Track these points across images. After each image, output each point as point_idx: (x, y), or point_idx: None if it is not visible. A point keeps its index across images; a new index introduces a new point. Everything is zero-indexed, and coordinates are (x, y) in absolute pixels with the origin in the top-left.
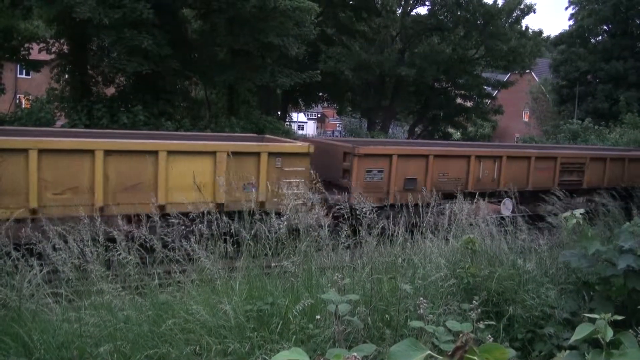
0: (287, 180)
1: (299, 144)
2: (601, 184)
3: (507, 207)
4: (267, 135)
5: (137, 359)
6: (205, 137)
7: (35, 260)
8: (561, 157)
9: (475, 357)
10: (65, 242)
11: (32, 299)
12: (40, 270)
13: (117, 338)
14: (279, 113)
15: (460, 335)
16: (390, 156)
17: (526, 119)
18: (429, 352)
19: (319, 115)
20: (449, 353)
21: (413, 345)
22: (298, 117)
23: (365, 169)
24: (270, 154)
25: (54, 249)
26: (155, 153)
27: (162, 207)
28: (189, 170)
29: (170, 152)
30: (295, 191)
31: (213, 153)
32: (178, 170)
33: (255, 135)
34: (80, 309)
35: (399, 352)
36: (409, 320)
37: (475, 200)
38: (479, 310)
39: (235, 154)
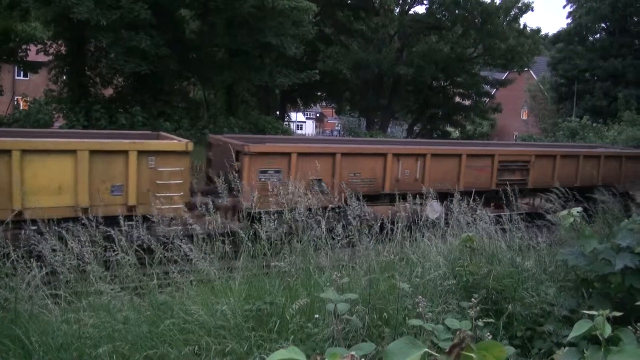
0: (162, 182)
1: (175, 141)
2: (550, 184)
3: (433, 209)
4: (162, 133)
5: (136, 359)
6: (87, 135)
7: (34, 261)
8: (499, 155)
9: (472, 355)
10: (65, 244)
11: (30, 300)
12: (39, 272)
13: (116, 339)
14: (278, 113)
15: (458, 332)
16: (288, 155)
17: (525, 117)
18: (426, 349)
19: (318, 115)
20: (447, 350)
21: (410, 342)
22: (297, 116)
23: (258, 169)
24: (141, 152)
25: (52, 250)
26: (8, 152)
27: (19, 213)
28: (49, 172)
29: (24, 152)
30: (172, 194)
31: (73, 152)
32: (35, 172)
33: (149, 132)
34: (79, 310)
35: (397, 350)
36: (407, 318)
37: (397, 202)
38: (478, 308)
39: (100, 152)
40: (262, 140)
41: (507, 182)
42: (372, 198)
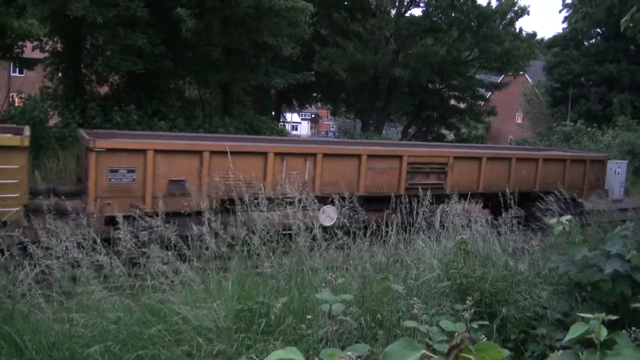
0: None
1: (8, 135)
2: (474, 189)
3: (327, 215)
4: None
5: (127, 359)
6: None
7: (27, 260)
8: (409, 156)
9: (470, 356)
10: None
11: (23, 299)
12: (32, 271)
13: (108, 339)
14: (273, 113)
15: (456, 334)
16: (144, 152)
17: (519, 121)
18: (424, 351)
19: (313, 116)
20: (445, 352)
21: (408, 344)
22: (292, 117)
23: (108, 167)
24: None
25: (45, 249)
26: None
27: None
28: None
29: None
30: (5, 195)
31: None
32: None
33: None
34: (71, 310)
35: (395, 352)
36: (401, 320)
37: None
38: (472, 310)
39: None
40: (118, 136)
41: (420, 187)
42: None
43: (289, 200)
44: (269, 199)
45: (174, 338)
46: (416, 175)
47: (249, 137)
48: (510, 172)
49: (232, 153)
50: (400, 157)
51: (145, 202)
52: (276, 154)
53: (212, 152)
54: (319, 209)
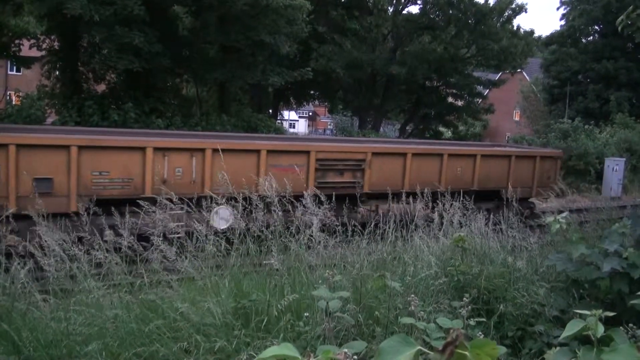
0: None
1: None
2: (399, 188)
3: (221, 217)
4: None
5: (125, 356)
6: None
7: (25, 258)
8: (317, 152)
9: (466, 353)
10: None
11: (20, 297)
12: (28, 269)
13: (106, 336)
14: (271, 111)
15: (451, 330)
16: (5, 147)
17: (517, 118)
18: (419, 347)
19: (310, 114)
20: (440, 348)
21: (403, 340)
22: (289, 115)
23: None
24: None
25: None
26: None
27: None
28: None
29: None
30: None
31: None
32: None
33: None
34: (68, 308)
35: (389, 348)
36: (399, 317)
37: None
38: (470, 307)
39: None
40: None
41: (332, 186)
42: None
43: (172, 201)
44: (149, 199)
45: (172, 335)
46: (327, 173)
47: (132, 132)
48: (442, 170)
49: (104, 148)
50: (307, 152)
51: (9, 202)
52: (156, 149)
53: (80, 147)
54: (212, 211)
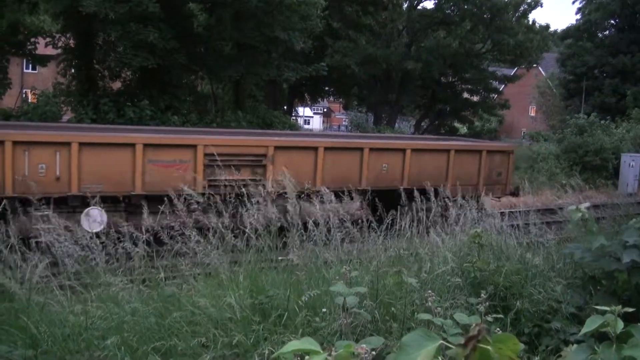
0: None
1: None
2: (310, 184)
3: (93, 219)
4: None
5: (144, 350)
6: None
7: (41, 253)
8: (205, 146)
9: (488, 347)
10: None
11: (39, 291)
12: (46, 263)
13: (124, 330)
14: (285, 107)
15: (474, 325)
16: None
17: (533, 114)
18: (441, 341)
19: (325, 110)
20: (463, 343)
21: (425, 335)
22: (304, 111)
23: None
24: None
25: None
26: None
27: None
28: None
29: None
30: None
31: None
32: None
33: None
34: (87, 301)
35: (412, 342)
36: (415, 313)
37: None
38: (487, 304)
39: None
40: None
41: (227, 184)
42: None
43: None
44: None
45: (190, 329)
46: (220, 169)
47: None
48: (362, 166)
49: None
50: (193, 146)
51: None
52: (15, 142)
53: None
54: (83, 212)
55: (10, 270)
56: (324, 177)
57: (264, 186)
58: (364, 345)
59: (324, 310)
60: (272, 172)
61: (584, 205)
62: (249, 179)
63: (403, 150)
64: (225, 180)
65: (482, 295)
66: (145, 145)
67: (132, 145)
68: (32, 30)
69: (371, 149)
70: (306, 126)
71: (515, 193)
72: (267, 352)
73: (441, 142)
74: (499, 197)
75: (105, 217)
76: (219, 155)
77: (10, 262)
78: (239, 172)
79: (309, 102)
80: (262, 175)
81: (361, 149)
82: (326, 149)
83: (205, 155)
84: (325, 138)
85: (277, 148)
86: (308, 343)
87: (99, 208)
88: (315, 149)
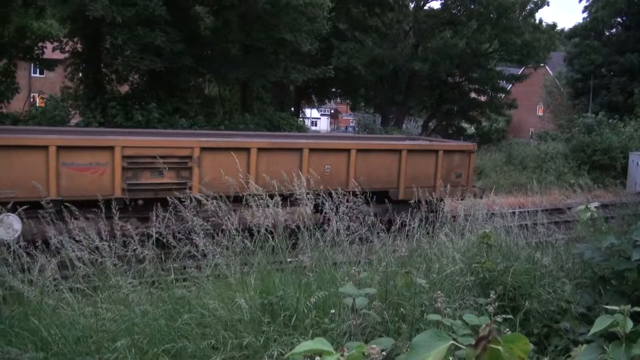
0: None
1: None
2: (243, 189)
3: (7, 225)
4: None
5: (154, 352)
6: None
7: (51, 255)
8: (123, 147)
9: (499, 347)
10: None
11: (49, 294)
12: (56, 266)
13: (134, 332)
14: (293, 109)
15: (484, 325)
16: None
17: (540, 113)
18: (452, 342)
19: (332, 111)
20: (473, 343)
21: (436, 335)
22: (311, 113)
23: None
24: None
25: (71, 243)
26: None
27: None
28: None
29: None
30: None
31: None
32: None
33: None
34: (97, 304)
35: (422, 342)
36: (425, 314)
37: None
38: (496, 304)
39: None
40: None
41: (148, 188)
42: None
43: None
44: None
45: (200, 331)
46: (141, 172)
47: None
48: (302, 167)
49: None
50: (110, 148)
51: None
52: None
53: None
54: None
55: (21, 273)
56: (259, 180)
57: (189, 190)
58: (375, 346)
59: (333, 311)
60: (198, 175)
61: (593, 205)
62: (174, 183)
63: (348, 151)
64: (148, 183)
65: (491, 295)
66: (59, 148)
67: (45, 147)
68: (40, 35)
69: (311, 150)
70: (313, 128)
71: (479, 195)
72: (276, 353)
73: (392, 142)
74: (461, 200)
75: (20, 224)
76: (139, 158)
77: (20, 265)
78: (162, 176)
79: (316, 104)
80: (187, 178)
81: (300, 150)
82: (260, 150)
83: (124, 157)
84: (259, 138)
85: (203, 149)
86: (320, 344)
87: (14, 215)
88: (248, 150)
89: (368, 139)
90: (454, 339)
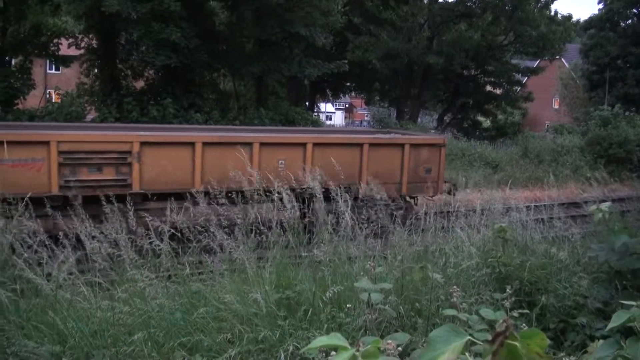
0: None
1: None
2: (188, 186)
3: None
4: None
5: (170, 346)
6: None
7: (68, 249)
8: (59, 142)
9: (516, 343)
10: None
11: (66, 287)
12: (75, 259)
13: (150, 326)
14: (307, 104)
15: (501, 320)
16: None
17: (556, 106)
18: (469, 337)
19: (347, 106)
20: (490, 339)
21: (453, 330)
22: (326, 107)
23: None
24: None
25: (88, 237)
26: None
27: None
28: None
29: None
30: None
31: None
32: None
33: None
34: (114, 298)
35: (439, 338)
36: (440, 309)
37: None
38: (512, 299)
39: None
40: None
41: (87, 185)
42: None
43: None
44: None
45: (216, 325)
46: (79, 168)
47: None
48: (253, 162)
49: None
50: (46, 143)
51: None
52: None
53: None
54: None
55: (38, 267)
56: (205, 177)
57: (129, 187)
58: (390, 341)
59: (349, 305)
60: (138, 171)
61: (605, 205)
62: (113, 180)
63: (303, 145)
64: (87, 180)
65: (508, 290)
66: None
67: None
68: (55, 31)
69: (262, 144)
70: (328, 122)
71: (451, 192)
72: (292, 347)
73: (353, 135)
74: (431, 196)
75: None
76: (77, 153)
77: (37, 258)
78: (101, 172)
79: (331, 98)
80: (127, 175)
81: (250, 144)
82: (205, 144)
83: (61, 152)
84: (204, 132)
85: (143, 144)
86: (336, 339)
87: None
88: (192, 144)
89: (327, 132)
90: (471, 335)
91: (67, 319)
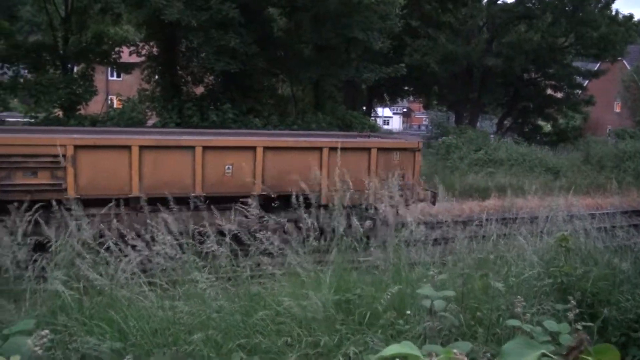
0: None
1: None
2: (126, 191)
3: None
4: None
5: (229, 347)
6: None
7: (131, 250)
8: None
9: (590, 358)
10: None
11: (127, 286)
12: (136, 260)
13: (210, 327)
14: (364, 108)
15: (576, 335)
16: None
17: (618, 110)
18: (543, 350)
19: (405, 110)
20: (565, 353)
21: (526, 344)
22: (383, 112)
23: None
24: None
25: (152, 240)
26: None
27: None
28: None
29: None
30: None
31: None
32: None
33: None
34: (175, 298)
35: (513, 350)
36: (501, 319)
37: None
38: (577, 310)
39: None
40: None
41: (23, 189)
42: None
43: None
44: None
45: (275, 328)
46: (14, 172)
47: None
48: (195, 168)
49: None
50: None
51: None
52: None
53: None
54: None
55: (102, 267)
56: (142, 182)
57: (63, 191)
58: (456, 351)
59: (409, 312)
60: (73, 175)
61: None
62: (48, 184)
63: (253, 149)
64: (22, 184)
65: (571, 301)
66: None
67: None
68: (116, 40)
69: (205, 148)
70: (385, 127)
71: (431, 200)
72: (351, 352)
73: (311, 138)
74: (406, 205)
75: None
76: (10, 157)
77: (104, 259)
78: (35, 176)
79: (388, 102)
80: (61, 179)
81: (192, 148)
82: (142, 147)
83: None
84: (141, 135)
85: (78, 147)
86: (408, 347)
87: None
88: (129, 147)
89: (281, 136)
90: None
91: (128, 317)
